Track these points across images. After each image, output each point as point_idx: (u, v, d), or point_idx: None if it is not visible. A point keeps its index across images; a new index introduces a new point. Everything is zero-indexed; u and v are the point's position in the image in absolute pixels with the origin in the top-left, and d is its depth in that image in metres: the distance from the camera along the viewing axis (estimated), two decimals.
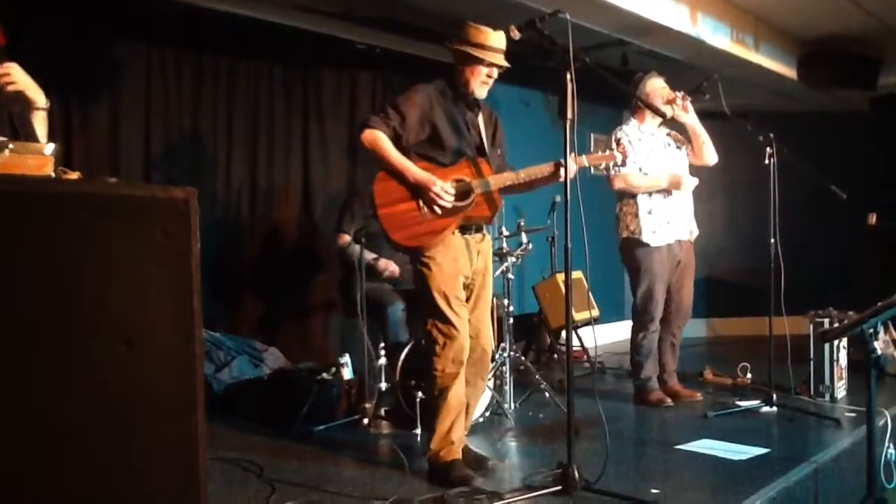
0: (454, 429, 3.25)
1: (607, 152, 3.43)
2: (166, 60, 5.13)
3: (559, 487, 2.97)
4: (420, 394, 3.82)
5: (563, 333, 4.84)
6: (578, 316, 5.83)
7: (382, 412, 4.10)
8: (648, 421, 4.41)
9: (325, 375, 4.33)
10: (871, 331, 2.76)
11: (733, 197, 8.08)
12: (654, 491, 3.04)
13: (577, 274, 5.53)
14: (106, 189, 1.87)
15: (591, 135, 7.29)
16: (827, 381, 4.68)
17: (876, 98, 7.72)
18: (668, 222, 4.57)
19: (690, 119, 4.62)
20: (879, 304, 2.81)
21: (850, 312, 4.45)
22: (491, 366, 3.87)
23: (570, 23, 2.95)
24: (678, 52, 5.98)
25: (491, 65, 3.27)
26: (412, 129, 3.23)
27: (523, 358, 4.95)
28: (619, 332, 7.22)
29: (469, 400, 3.39)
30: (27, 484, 1.59)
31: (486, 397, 4.09)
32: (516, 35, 3.12)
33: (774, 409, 4.38)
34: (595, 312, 5.89)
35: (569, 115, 3.00)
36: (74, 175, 2.08)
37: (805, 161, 4.41)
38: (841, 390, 4.72)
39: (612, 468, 3.14)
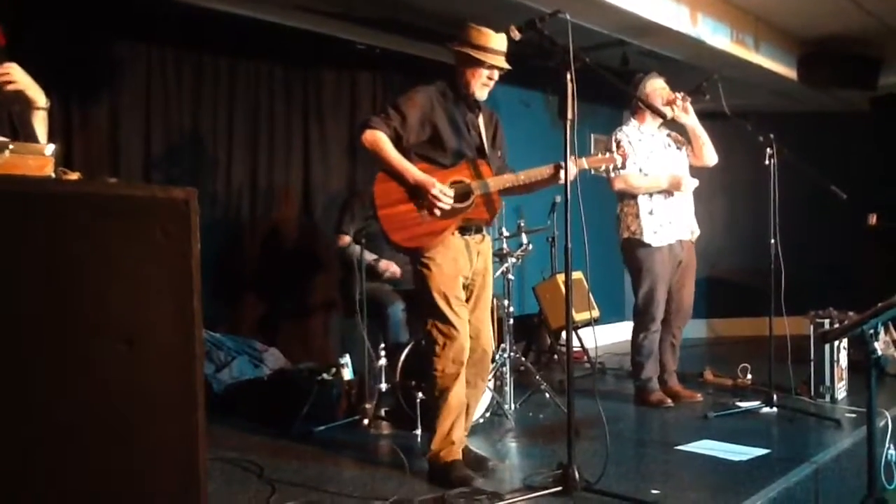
0: (454, 429, 3.25)
1: (607, 155, 3.43)
2: (166, 60, 5.13)
3: (559, 488, 2.97)
4: (420, 394, 3.82)
5: (564, 334, 4.83)
6: (579, 316, 5.83)
7: (382, 413, 4.10)
8: (649, 421, 4.41)
9: (325, 376, 4.33)
10: (872, 331, 2.76)
11: (733, 197, 8.07)
12: (654, 491, 3.04)
13: (577, 274, 5.53)
14: (106, 189, 1.87)
15: (592, 135, 7.29)
16: (827, 382, 4.67)
17: (876, 98, 7.72)
18: (670, 222, 4.57)
19: (690, 120, 4.62)
20: (880, 304, 2.81)
21: (851, 313, 4.45)
22: (491, 366, 3.87)
23: (570, 23, 2.95)
24: (678, 52, 5.98)
25: (492, 67, 3.27)
26: (413, 129, 3.23)
27: (523, 359, 4.94)
28: (619, 332, 7.22)
29: (469, 400, 3.39)
30: (27, 484, 1.59)
31: (486, 398, 4.09)
32: (516, 35, 3.11)
33: (775, 409, 4.38)
34: (595, 313, 5.90)
35: (569, 116, 3.00)
36: (74, 175, 2.08)
37: (805, 161, 4.41)
38: (841, 391, 4.72)
39: (613, 469, 3.13)
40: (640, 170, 4.56)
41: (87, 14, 4.59)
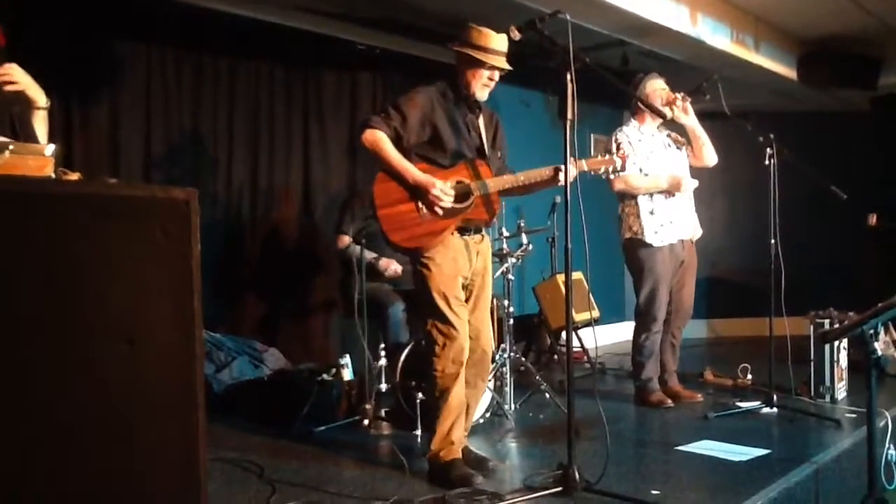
0: (454, 429, 3.25)
1: (607, 157, 3.43)
2: (167, 61, 5.13)
3: (560, 488, 2.97)
4: (420, 395, 3.81)
5: (564, 334, 4.83)
6: (579, 317, 5.83)
7: (383, 413, 4.10)
8: (649, 422, 4.41)
9: (325, 376, 4.33)
10: (872, 331, 2.75)
11: (733, 197, 8.07)
12: (654, 492, 3.04)
13: (577, 275, 5.53)
14: (106, 190, 1.87)
15: (592, 135, 7.29)
16: (827, 382, 4.67)
17: (876, 98, 7.72)
18: (671, 222, 4.57)
19: (690, 120, 4.62)
20: (880, 304, 2.80)
21: (851, 313, 4.45)
22: (491, 367, 3.87)
23: (571, 23, 2.94)
24: (678, 52, 5.98)
25: (493, 67, 3.27)
26: (413, 130, 3.23)
27: (523, 359, 4.94)
28: (619, 332, 7.22)
29: (469, 401, 3.38)
30: (27, 484, 1.59)
31: (486, 398, 4.08)
32: (516, 35, 3.11)
33: (775, 409, 4.38)
34: (595, 313, 5.90)
35: (569, 116, 2.99)
36: (75, 176, 2.08)
37: (805, 161, 4.41)
38: (841, 391, 4.72)
39: (613, 469, 3.13)
40: (641, 170, 4.56)
41: (87, 14, 4.59)
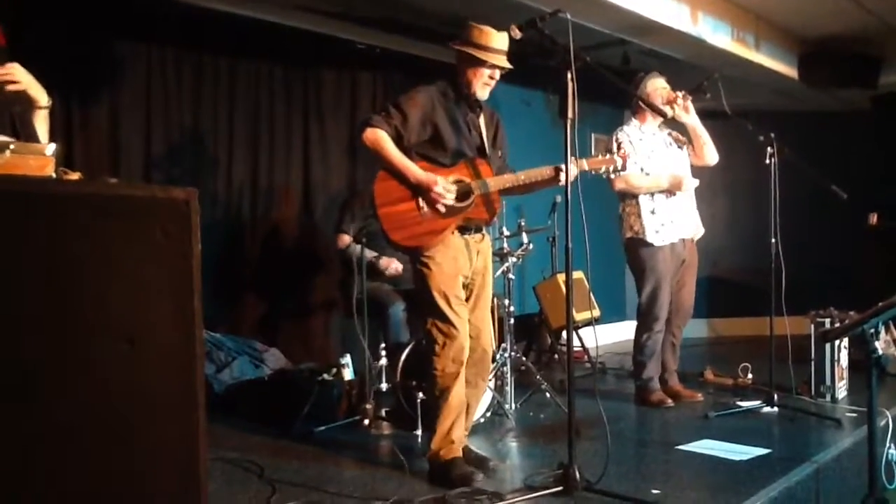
0: (454, 429, 3.25)
1: (607, 156, 3.43)
2: (166, 60, 5.13)
3: (560, 488, 2.97)
4: (421, 394, 3.81)
5: (564, 334, 4.83)
6: (579, 316, 5.83)
7: (383, 413, 4.10)
8: (649, 421, 4.41)
9: (325, 376, 4.33)
10: (872, 331, 2.75)
11: (734, 196, 8.07)
12: (655, 491, 3.04)
13: (577, 274, 5.53)
14: (106, 189, 1.87)
15: (592, 134, 7.29)
16: (828, 382, 4.67)
17: (877, 97, 7.72)
18: (672, 221, 4.56)
19: (691, 119, 4.62)
20: (880, 303, 2.80)
21: (851, 312, 4.45)
22: (492, 366, 3.87)
23: (571, 22, 2.95)
24: (679, 51, 5.98)
25: (493, 66, 3.26)
26: (414, 129, 3.22)
27: (524, 358, 4.94)
28: (620, 332, 7.22)
29: (470, 400, 3.38)
30: (27, 484, 1.59)
31: (486, 398, 4.08)
32: (517, 34, 3.11)
33: (775, 409, 4.38)
34: (596, 313, 5.88)
35: (569, 115, 2.99)
36: (75, 175, 2.07)
37: (806, 160, 4.40)
38: (842, 390, 4.72)
39: (613, 468, 3.13)
40: (642, 169, 4.56)
41: (87, 14, 4.59)
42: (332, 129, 5.88)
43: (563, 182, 3.13)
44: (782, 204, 4.39)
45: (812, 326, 4.76)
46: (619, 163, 3.41)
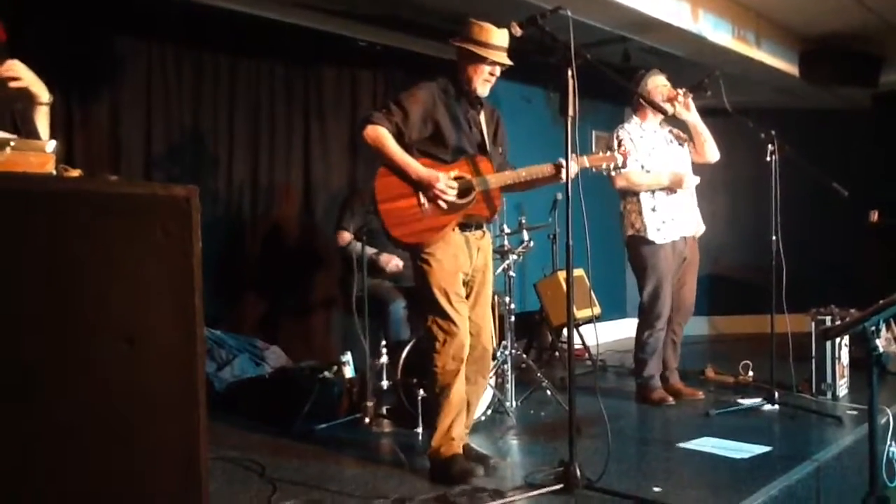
0: (455, 426, 3.25)
1: (608, 153, 3.43)
2: (167, 58, 5.12)
3: (561, 486, 2.97)
4: (421, 392, 3.81)
5: (565, 331, 4.83)
6: (580, 314, 5.82)
7: (384, 410, 4.10)
8: (650, 419, 4.41)
9: (326, 374, 4.32)
10: (873, 328, 2.75)
11: (735, 194, 8.06)
12: (655, 489, 3.04)
13: (578, 271, 5.52)
14: (107, 187, 1.86)
15: (593, 132, 7.28)
16: (829, 379, 4.67)
17: (877, 95, 7.72)
18: (673, 219, 4.56)
19: (692, 116, 4.61)
20: (881, 301, 2.80)
21: (852, 310, 4.45)
22: (492, 364, 3.87)
23: (572, 19, 2.94)
24: (679, 48, 5.97)
25: (494, 63, 3.26)
26: (415, 126, 3.22)
27: (525, 356, 4.94)
28: (620, 329, 7.21)
29: (470, 398, 3.38)
30: (27, 484, 1.59)
31: (487, 395, 4.08)
32: (517, 32, 3.11)
33: (776, 407, 4.38)
34: (597, 310, 5.85)
35: (570, 112, 2.99)
36: (76, 173, 2.07)
37: (806, 158, 4.40)
38: (843, 388, 4.72)
39: (614, 466, 3.13)
40: (642, 167, 4.55)
41: (87, 11, 4.59)
42: (333, 126, 5.88)
43: (563, 179, 3.13)
44: (783, 201, 4.39)
45: (813, 324, 4.76)
46: (620, 160, 3.41)
